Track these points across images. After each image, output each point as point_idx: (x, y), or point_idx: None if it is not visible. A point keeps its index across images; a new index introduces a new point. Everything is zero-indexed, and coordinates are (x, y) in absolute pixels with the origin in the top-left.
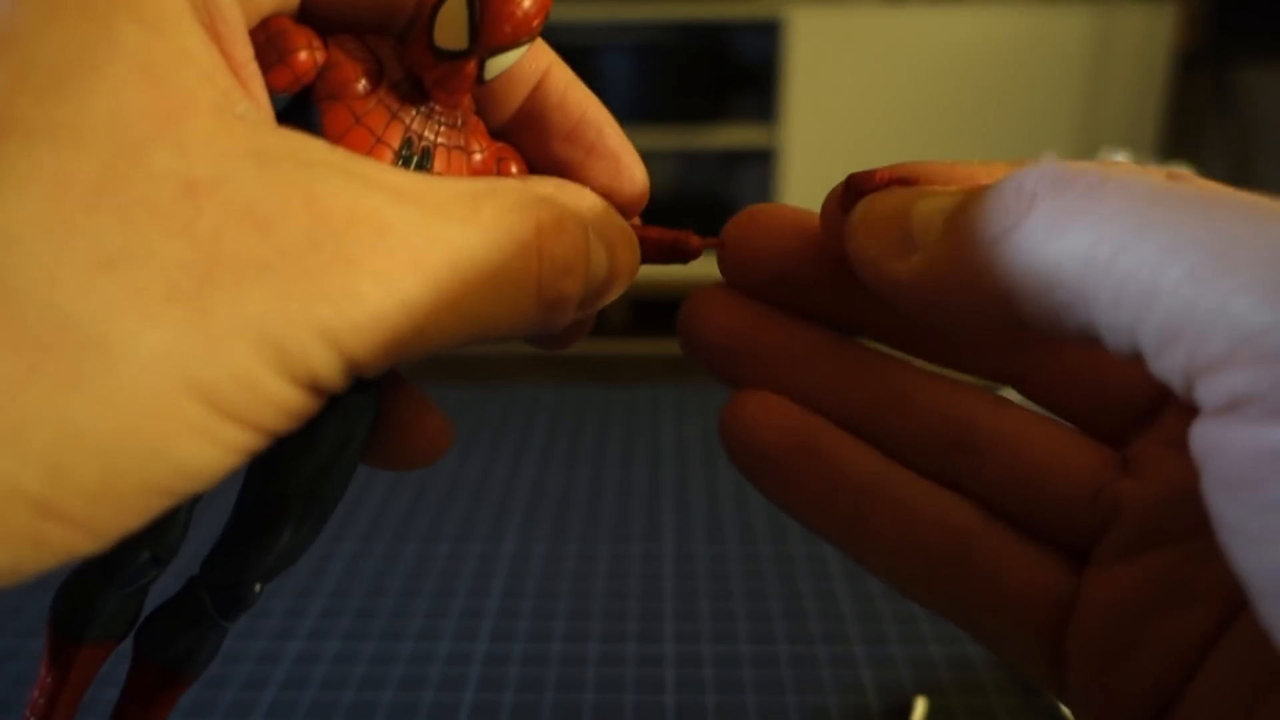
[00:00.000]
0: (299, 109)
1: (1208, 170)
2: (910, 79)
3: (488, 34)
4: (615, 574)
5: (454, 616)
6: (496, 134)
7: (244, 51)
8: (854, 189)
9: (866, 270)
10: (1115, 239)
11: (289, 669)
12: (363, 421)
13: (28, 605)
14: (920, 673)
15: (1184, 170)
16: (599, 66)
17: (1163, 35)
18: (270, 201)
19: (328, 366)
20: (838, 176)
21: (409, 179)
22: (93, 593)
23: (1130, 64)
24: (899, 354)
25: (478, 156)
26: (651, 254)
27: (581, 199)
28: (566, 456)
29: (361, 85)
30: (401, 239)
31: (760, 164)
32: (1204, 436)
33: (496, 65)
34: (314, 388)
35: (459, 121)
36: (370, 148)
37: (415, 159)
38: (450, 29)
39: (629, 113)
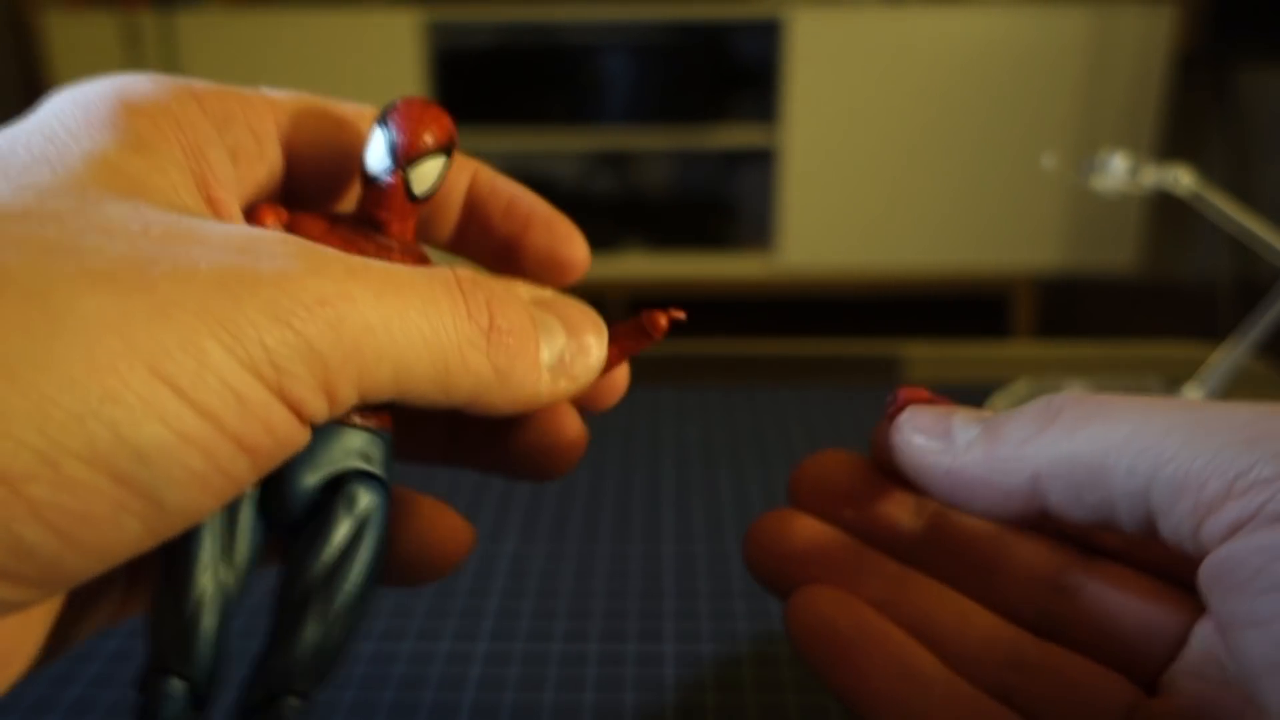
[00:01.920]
0: None
1: (1207, 171)
2: (910, 79)
3: (401, 147)
4: (615, 574)
5: (454, 616)
6: (450, 247)
7: (230, 195)
8: (900, 400)
9: (914, 460)
10: (1127, 426)
11: None
12: (375, 513)
13: None
14: None
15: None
16: (599, 66)
17: (1161, 36)
18: (214, 230)
19: (286, 349)
20: (838, 177)
21: None
22: None
23: (1129, 65)
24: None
25: None
26: (623, 340)
27: (515, 285)
28: None
29: (323, 230)
30: (334, 257)
31: (760, 164)
32: (1212, 563)
33: (421, 176)
34: (282, 391)
35: (413, 251)
36: None
37: None
38: (375, 155)
39: (629, 113)
